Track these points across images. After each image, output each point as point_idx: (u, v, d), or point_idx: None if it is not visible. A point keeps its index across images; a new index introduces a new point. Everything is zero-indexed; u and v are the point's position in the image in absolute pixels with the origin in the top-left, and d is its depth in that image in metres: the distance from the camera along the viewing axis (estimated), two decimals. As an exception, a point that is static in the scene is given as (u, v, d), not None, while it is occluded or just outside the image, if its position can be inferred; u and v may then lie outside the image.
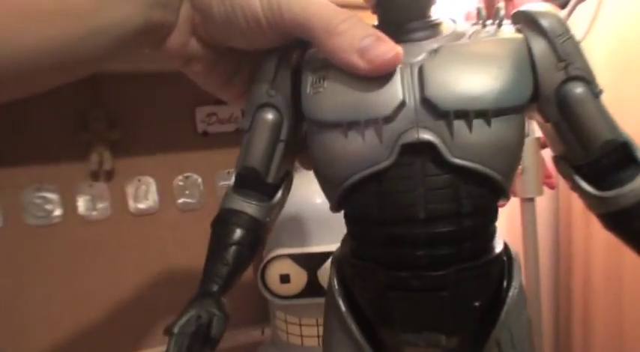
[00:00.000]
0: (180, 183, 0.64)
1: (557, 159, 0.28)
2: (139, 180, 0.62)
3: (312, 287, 0.54)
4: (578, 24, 0.61)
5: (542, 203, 0.76)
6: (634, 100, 0.65)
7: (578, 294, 0.79)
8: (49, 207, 0.56)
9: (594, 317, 0.76)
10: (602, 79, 0.24)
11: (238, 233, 0.27)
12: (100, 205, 0.59)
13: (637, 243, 0.26)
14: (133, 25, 0.23)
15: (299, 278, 0.54)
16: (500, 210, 0.27)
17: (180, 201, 0.64)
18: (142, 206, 0.62)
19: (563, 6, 0.56)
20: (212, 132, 0.63)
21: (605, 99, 0.25)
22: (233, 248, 0.27)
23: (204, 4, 0.25)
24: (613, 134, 0.25)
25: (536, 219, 0.64)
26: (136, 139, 0.62)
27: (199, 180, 0.64)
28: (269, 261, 0.54)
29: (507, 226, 0.82)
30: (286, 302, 0.55)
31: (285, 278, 0.54)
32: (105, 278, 0.62)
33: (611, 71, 0.70)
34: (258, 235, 0.28)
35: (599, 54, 0.71)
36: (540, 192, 0.63)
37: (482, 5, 0.26)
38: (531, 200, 0.64)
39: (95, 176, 0.58)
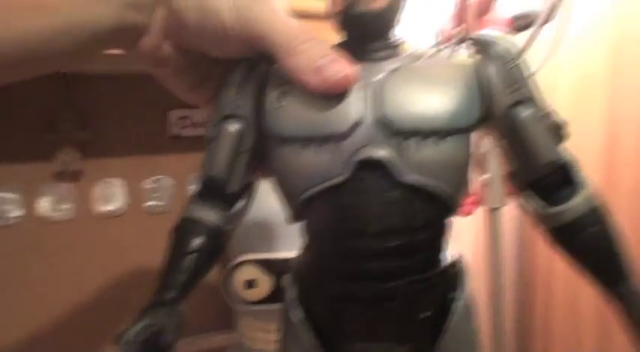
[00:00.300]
0: (150, 186, 0.63)
1: (510, 177, 0.30)
2: (108, 182, 0.61)
3: (278, 293, 0.54)
4: (541, 46, 0.64)
5: (508, 213, 0.79)
6: (592, 119, 0.69)
7: (540, 307, 0.82)
8: (7, 207, 0.55)
9: (554, 327, 0.79)
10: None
11: (197, 241, 0.27)
12: (64, 206, 0.58)
13: (577, 257, 0.27)
14: (106, 24, 0.24)
15: (265, 283, 0.54)
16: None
17: (150, 203, 0.63)
18: (108, 208, 0.61)
19: (526, 28, 0.59)
20: (185, 135, 0.63)
21: (567, 117, 0.26)
22: (191, 256, 0.27)
23: (178, 9, 0.25)
24: (555, 155, 0.26)
25: (500, 229, 0.67)
26: (107, 140, 0.61)
27: (170, 183, 0.64)
28: (235, 267, 0.54)
29: (474, 235, 0.84)
30: (251, 308, 0.55)
31: (250, 284, 0.54)
32: (67, 280, 0.60)
33: (572, 91, 0.73)
34: (217, 243, 0.28)
35: (562, 76, 0.74)
36: (506, 202, 0.65)
37: (440, 30, 0.28)
38: (497, 210, 0.66)
39: (61, 176, 0.57)
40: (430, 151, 0.24)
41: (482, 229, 0.69)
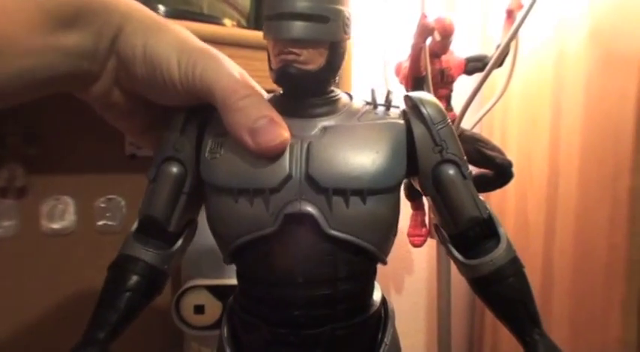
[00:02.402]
0: (102, 205, 0.62)
1: (437, 228, 0.31)
2: (57, 199, 0.59)
3: (227, 319, 0.54)
4: (496, 85, 0.68)
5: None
6: (540, 150, 0.73)
7: (489, 326, 0.85)
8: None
9: (500, 346, 0.82)
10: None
11: (133, 279, 0.28)
12: (5, 223, 0.56)
13: (493, 305, 0.29)
14: (60, 71, 0.25)
15: (214, 309, 0.55)
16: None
17: (101, 223, 0.62)
18: (56, 226, 0.59)
19: (479, 70, 0.62)
20: (141, 155, 0.62)
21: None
22: (126, 294, 0.27)
23: (128, 61, 0.26)
24: (478, 211, 0.28)
25: (449, 259, 0.69)
26: (57, 157, 0.59)
27: (122, 202, 0.63)
28: (184, 291, 0.54)
29: (427, 264, 0.87)
30: (200, 333, 0.55)
31: (199, 309, 0.54)
32: (9, 299, 0.58)
33: (521, 124, 0.78)
34: (154, 282, 0.29)
35: (512, 109, 0.79)
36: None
37: (374, 88, 0.29)
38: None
39: (3, 192, 0.55)
40: (355, 209, 0.25)
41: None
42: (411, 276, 0.87)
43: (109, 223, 0.62)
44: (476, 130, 0.67)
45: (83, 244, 0.61)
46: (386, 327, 0.30)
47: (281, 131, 0.25)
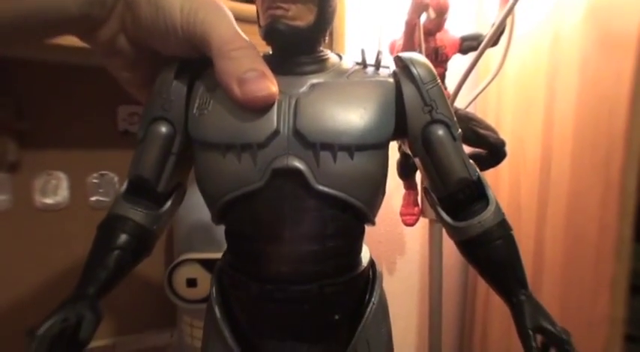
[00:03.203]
0: (95, 181, 0.62)
1: (426, 191, 0.32)
2: (49, 174, 0.59)
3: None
4: (490, 64, 0.67)
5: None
6: (533, 130, 0.73)
7: (480, 308, 0.86)
8: None
9: (492, 328, 0.83)
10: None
11: (122, 238, 0.28)
12: (0, 197, 0.56)
13: (480, 267, 0.30)
14: (71, 13, 0.25)
15: (206, 282, 0.54)
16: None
17: (94, 198, 0.62)
18: (49, 201, 0.59)
19: (473, 49, 0.62)
20: (133, 131, 0.62)
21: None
22: (115, 252, 0.27)
23: (134, 4, 0.27)
24: (467, 173, 0.28)
25: (442, 239, 0.69)
26: (49, 132, 0.59)
27: (115, 178, 0.63)
28: (177, 265, 0.54)
29: (420, 245, 0.87)
30: (192, 307, 0.56)
31: (191, 283, 0.55)
32: (2, 273, 0.59)
33: (515, 106, 0.78)
34: (142, 242, 0.29)
35: (507, 91, 0.79)
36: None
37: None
38: (438, 221, 0.69)
39: (-3, 166, 0.55)
40: (343, 164, 0.25)
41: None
42: (404, 258, 0.87)
43: (102, 199, 0.62)
44: (470, 111, 0.67)
45: (76, 219, 0.62)
46: (374, 288, 0.30)
47: (269, 85, 0.25)
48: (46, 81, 0.59)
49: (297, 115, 0.25)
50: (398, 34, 0.65)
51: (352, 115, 0.25)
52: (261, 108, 0.25)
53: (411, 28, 0.60)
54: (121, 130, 0.63)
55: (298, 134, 0.25)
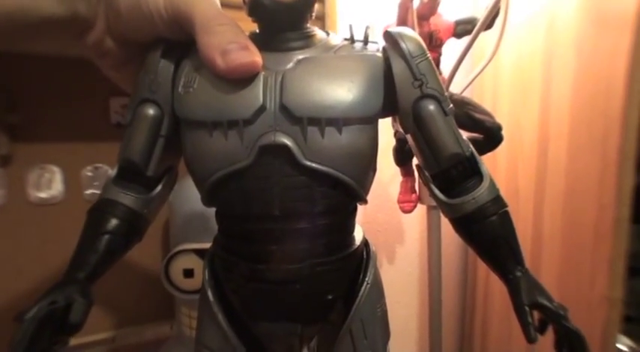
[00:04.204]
0: (89, 174, 0.62)
1: (419, 169, 0.31)
2: (42, 168, 0.59)
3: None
4: (486, 49, 0.67)
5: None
6: (530, 114, 0.73)
7: (480, 295, 0.86)
8: None
9: (492, 318, 0.83)
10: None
11: (113, 222, 0.27)
12: (-7, 191, 0.56)
13: (475, 244, 0.29)
14: (58, 12, 0.25)
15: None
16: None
17: (88, 192, 0.62)
18: (43, 195, 0.59)
19: (467, 33, 0.61)
20: (126, 123, 0.62)
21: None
22: (105, 237, 0.27)
23: (114, 1, 0.26)
24: (459, 148, 0.28)
25: (440, 225, 0.69)
26: (42, 125, 0.59)
27: (110, 171, 0.62)
28: (173, 256, 0.54)
29: (420, 233, 0.87)
30: (189, 297, 0.55)
31: (188, 273, 0.54)
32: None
33: (512, 90, 0.77)
34: (133, 226, 0.28)
35: (503, 74, 0.78)
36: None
37: (352, 24, 0.29)
38: (437, 207, 0.68)
39: (-11, 160, 0.55)
40: (331, 139, 0.25)
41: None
42: (403, 247, 0.87)
43: (97, 192, 0.62)
44: (466, 95, 0.67)
45: (71, 213, 0.61)
46: (368, 267, 0.30)
47: (253, 54, 0.25)
48: (37, 73, 0.58)
49: (283, 90, 0.25)
50: (391, 19, 0.64)
51: (339, 89, 0.25)
52: (244, 76, 0.25)
53: (403, 11, 0.59)
54: (114, 122, 0.62)
55: (285, 109, 0.25)
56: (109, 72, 0.31)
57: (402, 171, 0.69)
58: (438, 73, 0.28)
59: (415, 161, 0.67)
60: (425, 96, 0.27)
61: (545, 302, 0.26)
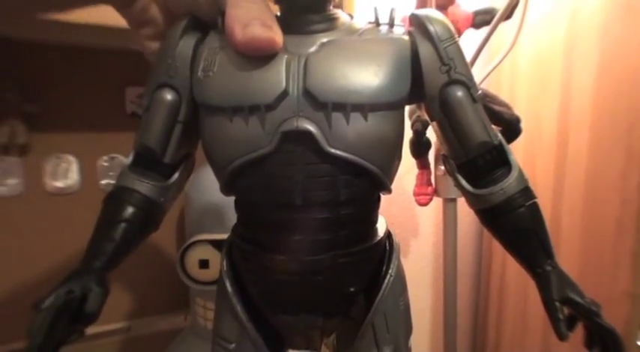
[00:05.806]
0: (105, 164, 0.62)
1: (445, 158, 0.30)
2: (59, 158, 0.59)
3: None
4: (504, 41, 0.65)
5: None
6: (549, 106, 0.71)
7: (494, 290, 0.85)
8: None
9: (506, 311, 0.82)
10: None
11: (129, 210, 0.27)
12: (10, 181, 0.56)
13: (503, 236, 0.28)
14: None
15: (218, 263, 0.54)
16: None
17: (104, 182, 0.62)
18: (60, 185, 0.59)
19: (486, 23, 0.60)
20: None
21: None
22: (122, 225, 0.26)
23: None
24: (488, 136, 0.27)
25: (456, 219, 0.68)
26: (58, 115, 0.59)
27: (125, 160, 0.62)
28: (189, 246, 0.54)
29: (435, 226, 0.86)
30: (205, 288, 0.55)
31: (204, 264, 0.54)
32: (14, 257, 0.59)
33: (530, 81, 0.75)
34: (150, 214, 0.28)
35: (521, 67, 0.76)
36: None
37: (378, 7, 0.28)
38: (453, 200, 0.67)
39: (5, 149, 0.55)
40: (356, 126, 0.24)
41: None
42: (418, 240, 0.86)
43: (112, 182, 0.61)
44: (483, 87, 0.65)
45: (87, 203, 0.61)
46: (391, 259, 0.29)
47: (272, 32, 0.24)
48: (54, 63, 0.58)
49: (306, 74, 0.24)
50: (410, 9, 0.63)
51: (365, 73, 0.24)
52: (261, 53, 0.24)
53: (422, 1, 0.58)
54: (130, 112, 0.62)
55: (308, 94, 0.24)
56: (146, 43, 0.30)
57: (418, 164, 0.68)
58: (465, 57, 0.27)
59: (432, 153, 0.66)
60: (453, 81, 0.26)
61: (577, 298, 0.25)
